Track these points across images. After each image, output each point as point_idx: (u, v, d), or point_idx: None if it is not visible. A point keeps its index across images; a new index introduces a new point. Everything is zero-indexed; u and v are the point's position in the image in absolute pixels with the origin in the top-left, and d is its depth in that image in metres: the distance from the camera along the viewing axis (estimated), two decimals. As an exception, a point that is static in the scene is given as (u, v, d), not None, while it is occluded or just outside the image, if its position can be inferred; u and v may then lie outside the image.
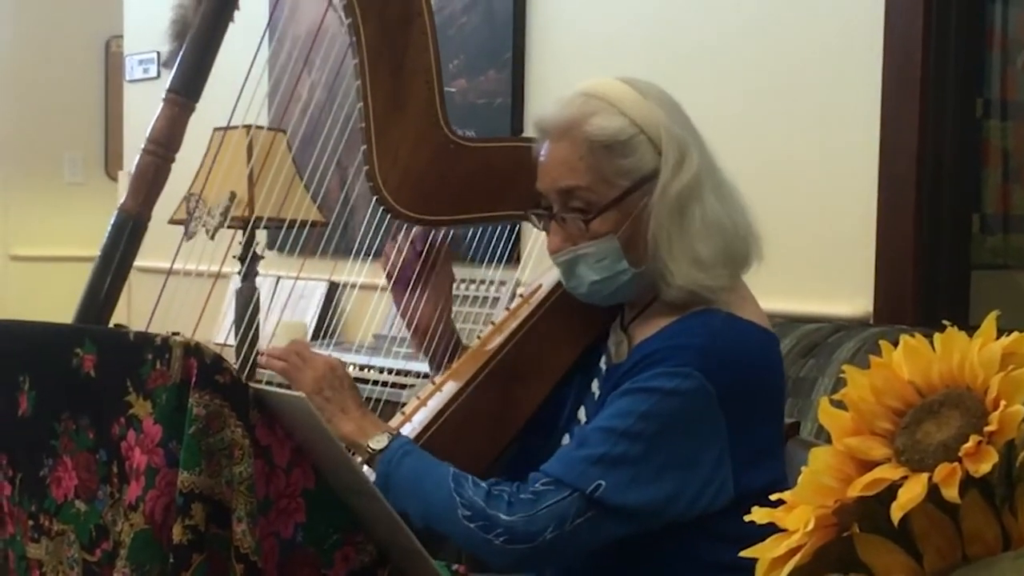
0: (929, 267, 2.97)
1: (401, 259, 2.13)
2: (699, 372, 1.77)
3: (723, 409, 1.78)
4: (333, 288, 4.41)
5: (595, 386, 2.00)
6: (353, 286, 3.83)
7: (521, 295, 2.18)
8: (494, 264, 2.47)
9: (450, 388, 2.05)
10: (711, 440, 1.79)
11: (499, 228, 2.44)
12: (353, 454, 1.90)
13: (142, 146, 1.97)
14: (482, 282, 3.61)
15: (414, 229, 2.13)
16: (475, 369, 2.05)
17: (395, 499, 1.77)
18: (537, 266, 2.22)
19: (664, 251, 1.84)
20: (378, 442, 1.89)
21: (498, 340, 2.07)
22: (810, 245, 3.06)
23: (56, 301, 2.90)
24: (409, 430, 2.01)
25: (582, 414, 2.00)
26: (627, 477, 1.76)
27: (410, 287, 2.15)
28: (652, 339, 1.86)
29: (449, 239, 2.17)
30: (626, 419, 1.77)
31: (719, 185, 1.89)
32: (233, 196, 3.45)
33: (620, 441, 1.76)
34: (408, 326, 2.19)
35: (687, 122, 1.91)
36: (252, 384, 1.43)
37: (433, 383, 2.12)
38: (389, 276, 2.15)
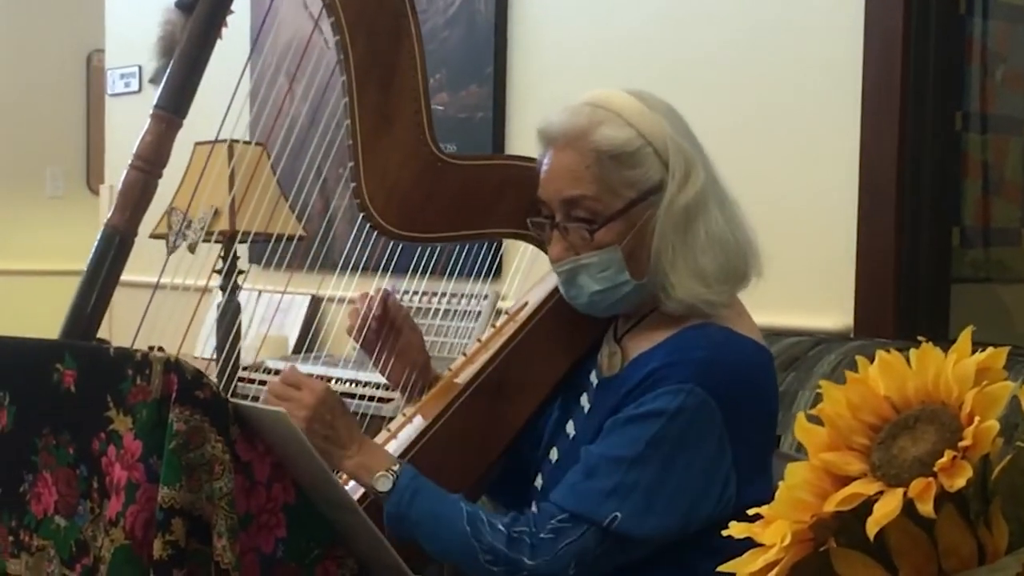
0: (909, 280, 2.98)
1: (361, 320, 2.13)
2: (701, 387, 1.76)
3: (726, 422, 1.78)
4: (316, 303, 4.41)
5: (584, 400, 1.99)
6: (338, 301, 3.83)
7: (506, 312, 2.18)
8: (476, 278, 2.47)
9: (436, 405, 2.05)
10: (719, 454, 1.79)
11: (481, 243, 2.45)
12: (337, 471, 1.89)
13: (129, 162, 1.97)
14: (465, 296, 3.61)
15: (372, 292, 2.14)
16: (462, 386, 2.05)
17: (411, 536, 1.77)
18: (522, 281, 2.23)
19: (667, 263, 1.84)
20: (383, 484, 1.82)
21: (484, 357, 2.07)
22: (791, 259, 3.07)
23: (37, 315, 2.90)
24: (395, 446, 2.00)
25: (570, 428, 1.99)
26: (642, 506, 1.76)
27: (378, 346, 2.15)
28: (650, 354, 1.85)
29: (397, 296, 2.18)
30: (635, 446, 1.77)
31: (723, 200, 1.89)
32: (215, 211, 3.45)
33: (632, 469, 1.76)
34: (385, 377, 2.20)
35: (692, 136, 1.92)
36: (232, 400, 1.44)
37: (419, 400, 2.13)
38: (355, 339, 2.15)
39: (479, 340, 2.15)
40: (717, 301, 1.84)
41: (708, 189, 1.86)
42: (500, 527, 1.78)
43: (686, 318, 1.86)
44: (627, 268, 1.87)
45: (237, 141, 3.51)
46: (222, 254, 3.60)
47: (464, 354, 2.15)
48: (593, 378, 2.00)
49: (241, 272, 3.65)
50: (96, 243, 1.94)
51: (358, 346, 2.17)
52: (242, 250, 3.79)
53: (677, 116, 1.92)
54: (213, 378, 1.46)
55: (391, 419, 2.13)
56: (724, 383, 1.79)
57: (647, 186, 1.85)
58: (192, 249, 3.04)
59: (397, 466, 1.85)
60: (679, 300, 1.84)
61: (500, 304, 3.43)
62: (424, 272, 2.59)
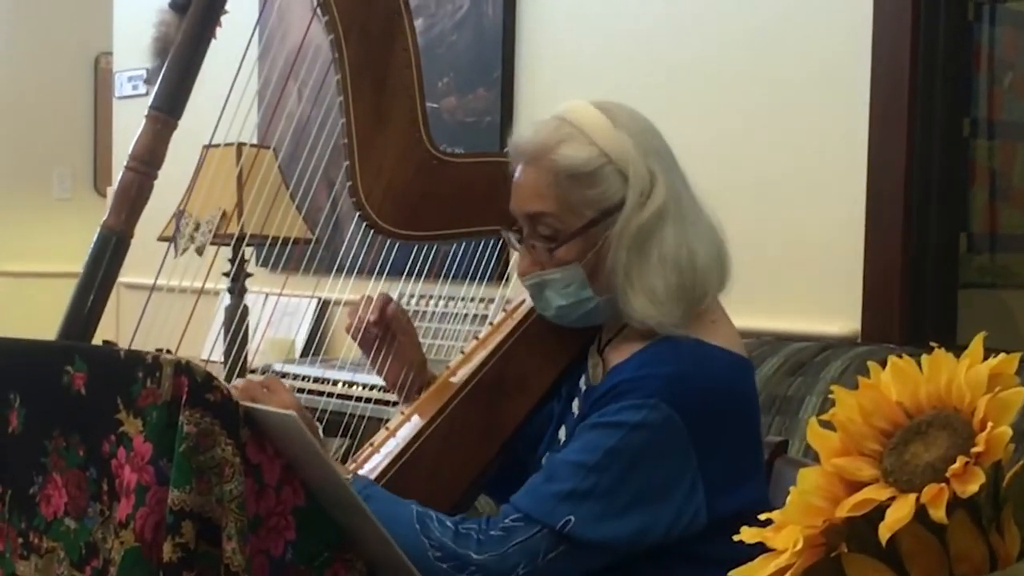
0: (917, 286, 2.97)
1: (359, 321, 2.13)
2: (666, 403, 1.77)
3: (692, 437, 1.78)
4: (324, 306, 4.41)
5: (575, 406, 1.99)
6: (338, 303, 3.83)
7: (505, 310, 2.18)
8: (479, 281, 2.47)
9: (435, 402, 2.05)
10: (681, 470, 1.79)
11: (485, 245, 2.45)
12: None
13: (124, 163, 1.97)
14: (471, 299, 3.61)
15: (375, 296, 2.15)
16: (460, 383, 2.05)
17: None
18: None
19: (624, 283, 1.84)
20: None
21: (483, 354, 2.08)
22: (798, 264, 3.07)
23: (44, 317, 2.89)
24: (393, 445, 2.01)
25: (562, 433, 1.99)
26: (596, 512, 1.76)
27: (375, 347, 2.16)
28: (622, 366, 1.86)
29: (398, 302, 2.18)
30: (594, 454, 1.77)
31: (683, 218, 1.87)
32: (221, 213, 3.46)
33: (589, 476, 1.76)
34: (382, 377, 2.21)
35: (659, 149, 1.90)
36: (242, 402, 1.44)
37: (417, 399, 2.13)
38: (353, 337, 2.16)
39: (476, 338, 2.15)
40: (667, 322, 1.83)
41: (667, 208, 1.85)
42: (448, 523, 1.80)
43: (657, 331, 1.85)
44: (590, 285, 1.89)
45: (245, 144, 3.52)
46: (229, 256, 3.61)
47: (463, 352, 2.15)
48: (582, 384, 2.01)
49: (249, 275, 3.65)
50: (92, 244, 1.95)
51: (356, 345, 2.18)
52: (250, 253, 3.80)
53: (643, 129, 1.90)
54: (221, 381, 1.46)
55: (387, 420, 2.13)
56: (691, 399, 1.79)
57: (607, 205, 1.86)
58: (200, 252, 3.04)
59: (349, 476, 1.87)
60: (638, 320, 1.85)
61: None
62: (434, 276, 2.59)
